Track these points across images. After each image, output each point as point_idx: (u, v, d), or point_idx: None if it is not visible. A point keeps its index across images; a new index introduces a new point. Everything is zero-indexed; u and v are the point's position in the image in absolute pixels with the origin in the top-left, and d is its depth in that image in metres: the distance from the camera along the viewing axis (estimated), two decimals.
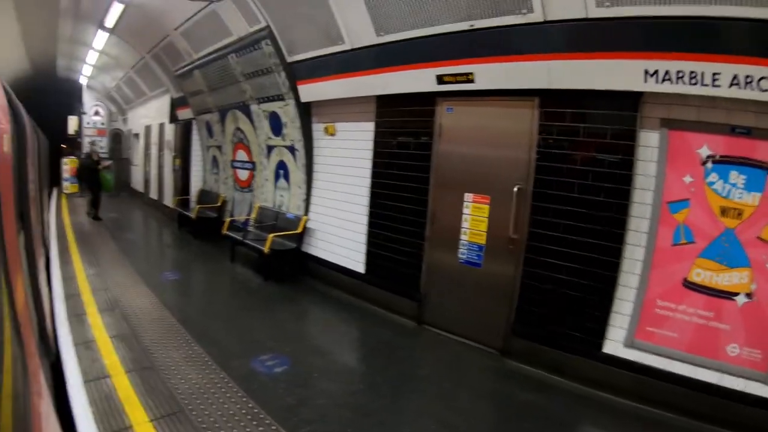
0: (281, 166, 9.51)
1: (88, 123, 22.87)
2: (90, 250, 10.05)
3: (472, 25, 5.37)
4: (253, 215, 10.37)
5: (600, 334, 4.93)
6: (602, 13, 4.37)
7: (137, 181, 20.63)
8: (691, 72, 4.04)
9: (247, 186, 11.23)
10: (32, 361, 2.03)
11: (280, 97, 8.76)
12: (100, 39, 13.39)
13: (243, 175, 11.39)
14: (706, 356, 4.35)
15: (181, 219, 13.33)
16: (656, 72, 4.23)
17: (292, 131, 8.78)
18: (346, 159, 7.90)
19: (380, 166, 7.22)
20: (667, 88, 4.23)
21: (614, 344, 4.86)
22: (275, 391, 4.61)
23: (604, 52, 4.48)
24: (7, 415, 1.30)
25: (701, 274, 4.38)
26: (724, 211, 4.25)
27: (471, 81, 5.63)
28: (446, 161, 6.30)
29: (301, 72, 8.12)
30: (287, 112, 8.74)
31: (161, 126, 16.18)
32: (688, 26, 3.97)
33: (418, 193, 6.62)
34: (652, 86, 4.31)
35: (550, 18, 4.73)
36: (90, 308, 6.42)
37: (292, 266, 8.80)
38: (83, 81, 21.34)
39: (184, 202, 13.79)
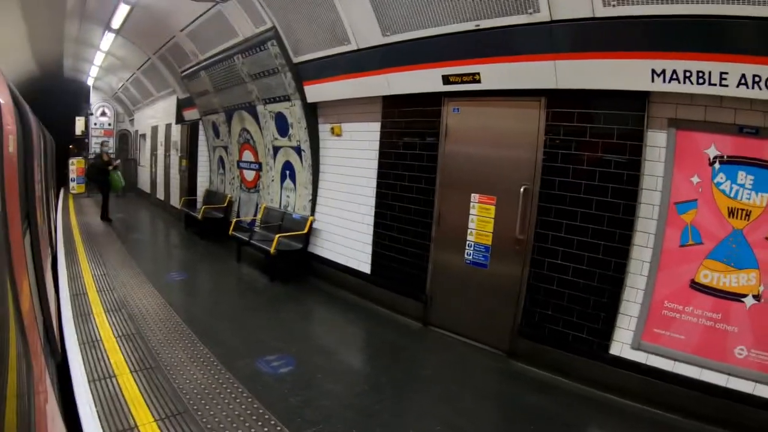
0: (287, 166, 9.52)
1: (95, 124, 23.00)
2: (97, 250, 10.08)
3: (478, 25, 5.36)
4: (260, 216, 10.38)
5: (607, 335, 4.91)
6: (609, 13, 4.34)
7: (144, 182, 20.69)
8: (699, 71, 4.01)
9: (253, 186, 11.25)
10: (37, 361, 2.03)
11: (286, 98, 8.77)
12: (107, 40, 13.42)
13: (249, 175, 11.41)
14: (714, 358, 4.31)
15: (187, 219, 13.37)
16: (663, 72, 4.20)
17: (299, 132, 8.78)
18: (353, 159, 7.90)
19: (386, 167, 7.20)
20: (674, 87, 4.20)
21: (621, 346, 4.83)
22: (280, 392, 4.60)
23: (611, 51, 4.46)
24: (12, 414, 1.30)
25: (709, 276, 4.35)
26: (731, 212, 4.21)
27: (477, 81, 5.62)
28: (452, 161, 6.29)
29: (307, 72, 8.12)
30: (293, 112, 8.75)
31: (168, 127, 16.21)
32: (696, 25, 3.94)
33: (425, 194, 6.60)
34: (659, 86, 4.29)
35: (556, 17, 4.70)
36: (96, 308, 6.44)
37: (298, 267, 8.81)
38: (90, 82, 21.42)
39: (190, 203, 13.80)
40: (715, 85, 3.98)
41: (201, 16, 9.39)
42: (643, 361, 4.67)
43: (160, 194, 17.57)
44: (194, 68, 11.53)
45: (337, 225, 8.27)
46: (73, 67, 18.69)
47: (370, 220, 7.50)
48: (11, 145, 1.87)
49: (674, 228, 4.53)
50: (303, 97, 8.38)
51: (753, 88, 3.80)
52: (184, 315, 6.41)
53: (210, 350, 5.36)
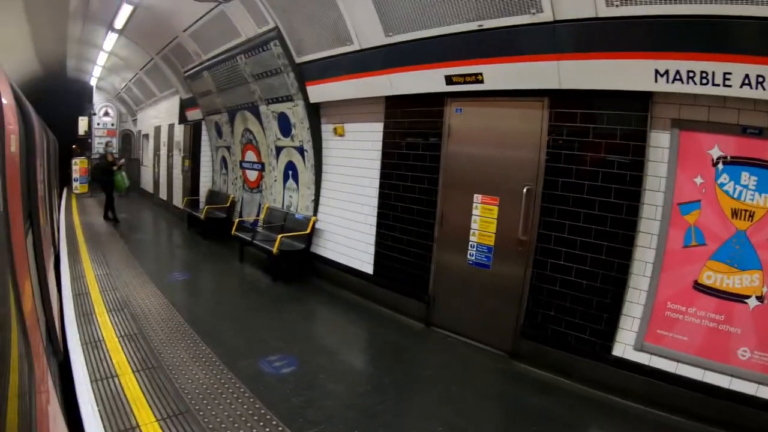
0: (290, 166, 9.52)
1: (98, 124, 23.03)
2: (99, 249, 10.09)
3: (481, 25, 5.35)
4: (262, 216, 10.39)
5: (609, 336, 4.90)
6: (612, 13, 4.33)
7: (147, 182, 20.73)
8: (702, 72, 4.00)
9: (256, 187, 11.25)
10: (39, 362, 2.03)
11: (289, 98, 8.77)
12: (110, 40, 13.45)
13: (252, 175, 11.41)
14: (717, 360, 4.29)
15: (190, 219, 13.38)
16: (667, 72, 4.19)
17: (301, 132, 8.78)
18: (355, 160, 7.90)
19: (389, 167, 7.20)
20: (677, 88, 4.19)
21: (624, 347, 4.82)
22: (282, 392, 4.60)
23: (614, 51, 4.44)
24: (14, 414, 1.30)
25: (712, 277, 4.34)
26: (735, 213, 4.20)
27: (480, 81, 5.61)
28: (455, 162, 6.28)
29: (310, 73, 8.12)
30: (296, 112, 8.75)
31: (171, 127, 16.24)
32: (699, 25, 3.93)
33: (427, 194, 6.60)
34: (662, 86, 4.27)
35: (559, 18, 4.69)
36: (99, 308, 6.45)
37: (300, 267, 8.81)
38: (93, 82, 21.46)
39: (193, 203, 13.82)
40: (718, 85, 3.96)
41: (204, 16, 9.40)
42: (646, 363, 4.65)
43: (163, 194, 17.60)
44: (197, 68, 11.54)
45: (340, 225, 8.27)
46: (77, 67, 18.72)
47: (373, 220, 7.49)
48: (13, 145, 1.86)
49: (677, 229, 4.51)
50: (306, 98, 8.37)
51: (756, 88, 3.79)
52: (186, 315, 6.41)
53: (212, 350, 5.36)
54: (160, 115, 17.53)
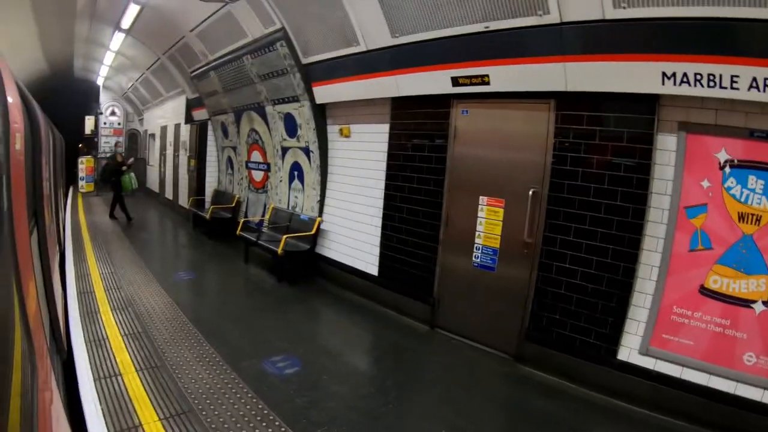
0: (296, 167, 9.53)
1: (104, 123, 23.14)
2: (105, 248, 10.12)
3: (487, 27, 5.34)
4: (267, 216, 10.40)
5: (615, 340, 4.87)
6: (619, 15, 4.31)
7: (153, 181, 20.79)
8: (710, 74, 3.98)
9: (261, 187, 11.27)
10: (43, 362, 2.03)
11: (295, 99, 8.78)
12: (117, 40, 13.50)
13: (258, 176, 11.43)
14: (722, 365, 4.26)
15: (195, 219, 13.41)
16: (674, 74, 4.16)
17: (307, 133, 8.79)
18: (361, 161, 7.90)
19: (395, 168, 7.19)
20: (684, 90, 4.16)
21: (629, 351, 4.79)
22: (285, 393, 4.60)
23: (621, 54, 4.42)
24: (16, 414, 1.29)
25: (718, 281, 4.31)
26: (742, 217, 4.17)
27: (486, 83, 5.60)
28: (461, 164, 6.27)
29: (316, 73, 8.12)
30: (302, 113, 8.75)
31: (177, 127, 16.27)
32: (707, 28, 3.90)
33: (433, 196, 6.59)
34: (669, 89, 4.25)
35: (566, 19, 4.67)
36: (103, 306, 6.47)
37: (305, 267, 8.81)
38: (100, 82, 21.56)
39: (198, 203, 13.84)
40: (726, 88, 3.94)
41: (210, 16, 9.42)
42: (651, 367, 4.63)
43: (169, 194, 17.64)
44: (203, 68, 11.57)
45: (345, 226, 8.27)
46: (84, 67, 18.81)
47: (378, 221, 7.48)
48: (18, 143, 1.86)
49: (684, 232, 4.49)
50: (312, 98, 8.38)
51: (764, 91, 3.76)
52: (190, 314, 6.42)
53: (216, 350, 5.36)
54: (167, 115, 17.58)
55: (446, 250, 6.51)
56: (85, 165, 20.73)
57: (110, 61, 16.74)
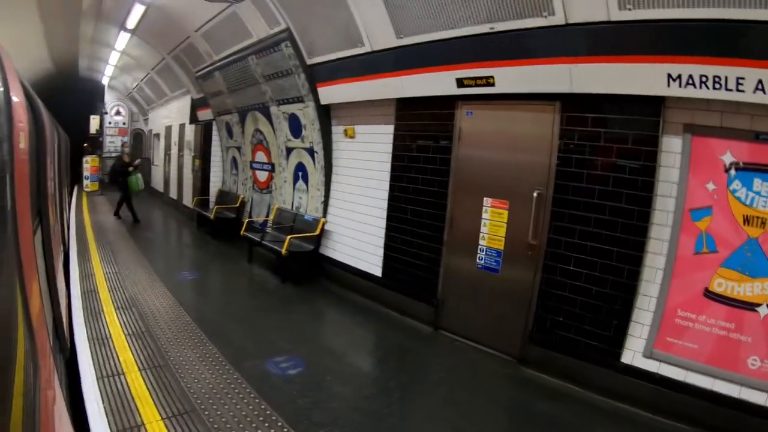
0: (300, 167, 9.53)
1: (109, 123, 23.20)
2: (109, 248, 10.14)
3: (492, 28, 5.33)
4: (272, 216, 10.40)
5: (619, 343, 4.85)
6: (625, 16, 4.29)
7: (157, 181, 20.83)
8: (715, 77, 3.95)
9: (265, 187, 11.27)
10: (45, 362, 2.03)
11: (299, 99, 8.78)
12: (122, 40, 13.54)
13: (262, 176, 11.43)
14: (726, 368, 4.24)
15: (200, 219, 13.44)
16: (679, 76, 4.14)
17: (312, 133, 8.79)
18: (365, 162, 7.89)
19: (399, 170, 7.19)
20: (690, 92, 4.14)
21: (633, 354, 4.77)
22: (288, 393, 4.60)
23: (627, 55, 4.41)
24: (18, 413, 1.29)
25: (723, 284, 4.28)
26: (747, 220, 4.15)
27: (491, 84, 5.58)
28: (466, 165, 6.26)
29: (320, 74, 8.12)
30: (307, 114, 8.75)
31: (182, 126, 16.32)
32: (712, 30, 3.89)
33: (437, 197, 6.58)
34: (675, 91, 4.23)
35: (571, 21, 4.66)
36: (107, 306, 6.48)
37: (309, 268, 8.81)
38: (105, 81, 21.63)
39: (203, 203, 13.88)
40: (731, 90, 3.92)
41: (216, 16, 9.43)
42: (655, 370, 4.60)
43: (173, 193, 17.68)
44: (208, 69, 11.58)
45: (349, 227, 8.27)
46: (89, 67, 18.87)
47: (382, 222, 7.48)
48: (22, 142, 1.86)
49: (688, 235, 4.47)
50: (316, 99, 8.38)
51: None
52: (194, 314, 6.42)
53: (219, 350, 5.37)
54: (171, 115, 17.62)
55: (450, 251, 6.49)
56: (89, 164, 20.79)
57: (115, 60, 16.79)
